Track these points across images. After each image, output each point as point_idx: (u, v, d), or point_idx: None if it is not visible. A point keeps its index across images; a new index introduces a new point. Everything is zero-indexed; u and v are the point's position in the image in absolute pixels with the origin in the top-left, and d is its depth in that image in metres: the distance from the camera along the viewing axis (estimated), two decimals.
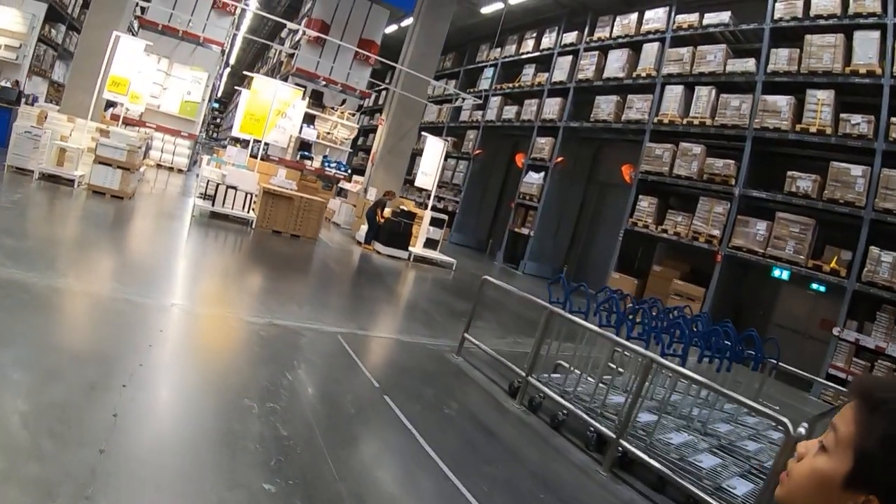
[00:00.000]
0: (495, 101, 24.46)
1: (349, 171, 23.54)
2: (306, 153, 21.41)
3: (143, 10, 21.75)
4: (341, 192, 22.27)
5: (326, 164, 22.13)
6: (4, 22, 19.79)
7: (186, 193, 17.71)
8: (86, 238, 9.10)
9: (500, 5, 22.85)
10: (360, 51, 21.63)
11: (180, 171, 23.08)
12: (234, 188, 13.54)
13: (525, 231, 20.54)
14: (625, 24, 18.77)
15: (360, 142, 33.39)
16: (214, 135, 57.81)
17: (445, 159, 25.73)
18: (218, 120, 60.86)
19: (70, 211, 10.67)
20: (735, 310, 13.94)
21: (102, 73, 13.67)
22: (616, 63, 18.47)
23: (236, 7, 23.69)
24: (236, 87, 33.48)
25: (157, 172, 20.89)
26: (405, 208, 16.00)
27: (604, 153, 20.80)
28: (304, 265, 12.16)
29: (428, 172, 17.37)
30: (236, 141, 23.19)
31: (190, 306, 7.06)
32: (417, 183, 17.61)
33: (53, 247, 7.95)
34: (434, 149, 17.55)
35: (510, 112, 23.30)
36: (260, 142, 17.01)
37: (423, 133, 19.74)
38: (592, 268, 19.78)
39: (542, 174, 20.42)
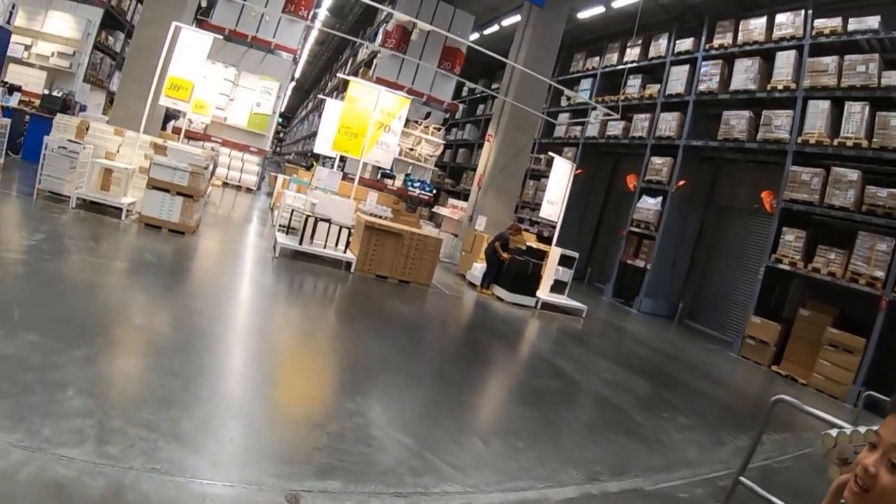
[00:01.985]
0: (596, 116, 21.85)
1: (433, 190, 21.32)
2: (387, 171, 19.18)
3: (207, 10, 20.19)
4: (433, 218, 19.91)
5: (409, 183, 20.09)
6: (57, 28, 19.01)
7: (261, 220, 15.63)
8: (129, 308, 6.65)
9: (598, 9, 21.06)
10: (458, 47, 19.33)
11: (249, 189, 21.88)
12: (328, 221, 11.19)
13: (640, 263, 18.72)
14: (751, 29, 16.81)
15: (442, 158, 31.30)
16: (278, 150, 57.23)
17: (538, 179, 23.47)
18: (281, 135, 60.32)
19: (110, 256, 8.42)
20: None
21: (158, 76, 11.54)
22: (744, 74, 16.57)
23: (309, 12, 21.93)
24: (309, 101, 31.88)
25: (223, 192, 19.37)
26: (531, 244, 13.49)
27: (724, 174, 18.91)
28: (435, 333, 9.62)
29: (554, 200, 14.95)
30: (314, 157, 21.26)
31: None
32: (543, 214, 15.13)
33: (80, 332, 5.54)
34: (561, 172, 15.12)
35: (615, 128, 21.29)
36: (343, 161, 14.74)
37: (549, 153, 17.18)
38: (711, 305, 18.17)
39: (660, 199, 18.54)
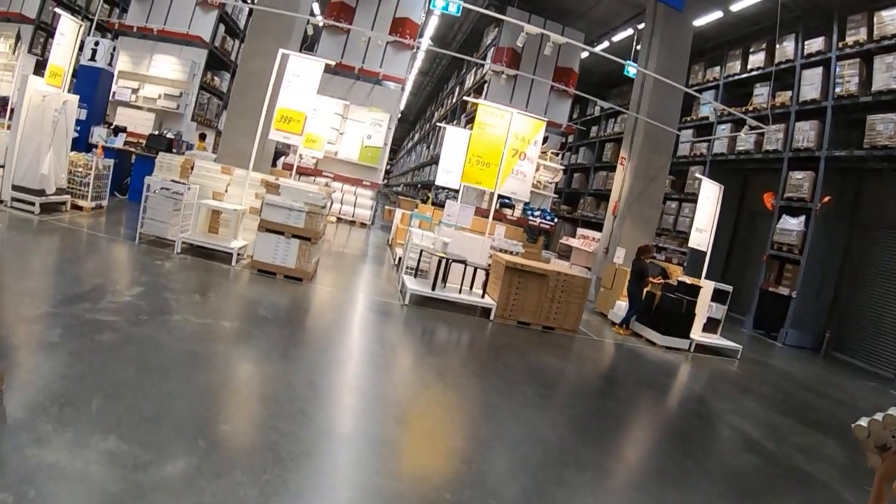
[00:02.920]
0: (723, 130, 19.82)
1: (554, 219, 19.84)
2: (506, 200, 17.86)
3: (311, 45, 19.68)
4: (548, 246, 18.57)
5: (529, 212, 18.67)
6: (163, 70, 19.54)
7: (379, 258, 14.46)
8: (240, 391, 5.43)
9: (716, 15, 19.14)
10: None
11: (363, 224, 21.16)
12: (463, 262, 9.84)
13: (783, 291, 16.69)
14: (886, 21, 14.82)
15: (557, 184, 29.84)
16: (385, 182, 57.34)
17: (664, 202, 21.72)
18: (388, 167, 60.60)
19: (218, 314, 7.21)
20: None
21: (266, 109, 10.57)
22: (886, 72, 14.67)
23: (414, 41, 21.20)
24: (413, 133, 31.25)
25: (336, 228, 18.57)
26: (683, 279, 11.79)
27: (870, 187, 16.68)
28: (594, 394, 7.87)
29: (702, 228, 13.05)
30: (427, 189, 20.19)
31: None
32: (692, 243, 13.29)
33: (176, 433, 4.32)
34: (710, 195, 13.25)
35: (745, 142, 19.13)
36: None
37: (698, 176, 15.39)
38: (861, 335, 15.84)
39: (802, 218, 16.63)
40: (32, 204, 10.16)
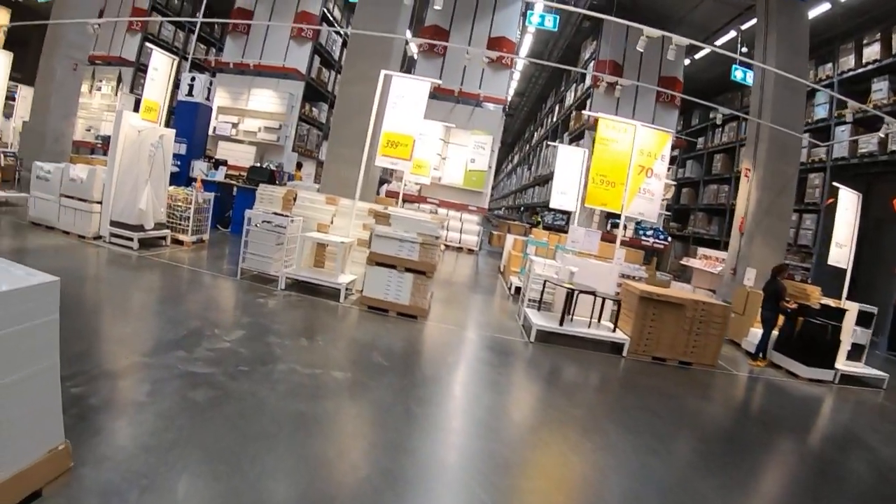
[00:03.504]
0: (843, 133, 17.97)
1: (668, 238, 18.48)
2: (617, 220, 16.64)
3: (407, 70, 19.32)
4: (676, 271, 17.18)
5: (641, 232, 17.37)
6: (262, 104, 20.04)
7: (491, 287, 13.58)
8: (359, 466, 4.52)
9: (824, 7, 17.36)
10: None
11: (470, 251, 20.51)
12: (592, 293, 8.79)
13: None
14: None
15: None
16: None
17: None
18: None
19: (327, 361, 6.36)
20: None
21: (371, 135, 9.85)
22: None
23: (512, 60, 20.64)
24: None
25: (443, 255, 17.57)
26: (826, 302, 10.41)
27: None
28: (750, 448, 6.59)
29: (842, 243, 11.50)
30: (535, 212, 19.29)
31: None
32: (832, 260, 11.71)
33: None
34: (849, 207, 11.69)
35: (868, 144, 16.91)
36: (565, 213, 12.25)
37: (834, 184, 13.83)
38: None
39: None
40: (131, 239, 10.01)
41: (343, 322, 7.88)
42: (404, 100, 10.08)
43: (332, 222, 9.75)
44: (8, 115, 21.62)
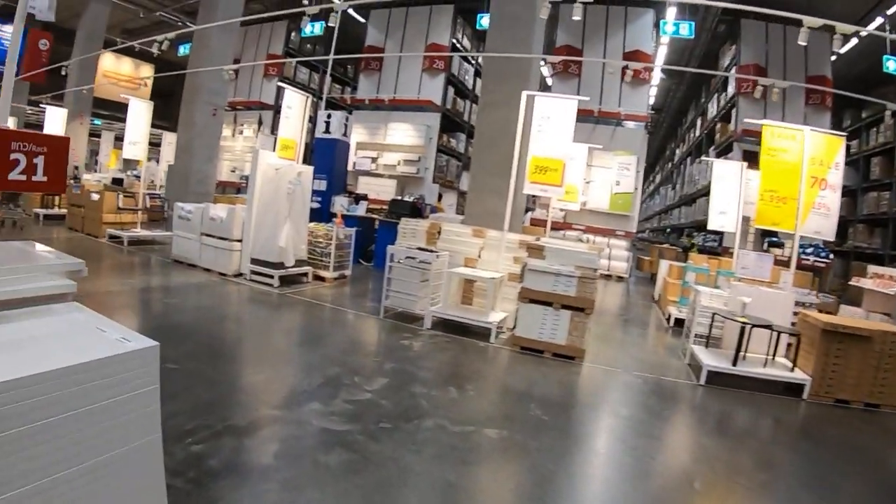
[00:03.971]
0: None
1: (830, 256, 16.54)
2: (773, 239, 15.14)
3: (544, 91, 18.77)
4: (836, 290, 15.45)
5: (800, 250, 15.52)
6: (399, 138, 20.24)
7: (646, 321, 12.40)
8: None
9: None
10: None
11: (619, 278, 19.32)
12: (768, 327, 7.63)
13: None
14: None
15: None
16: None
17: None
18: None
19: (478, 416, 5.58)
20: None
21: (517, 161, 9.17)
22: None
23: (650, 74, 19.84)
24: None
25: None
26: None
27: None
28: None
29: None
30: (688, 236, 18.05)
31: None
32: None
33: None
34: None
35: None
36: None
37: None
38: None
39: None
40: (271, 277, 9.90)
41: (494, 366, 7.13)
42: (550, 122, 9.31)
43: (479, 256, 9.06)
44: (155, 159, 22.95)
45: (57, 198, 17.46)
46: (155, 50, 14.61)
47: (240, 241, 10.50)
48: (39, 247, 3.37)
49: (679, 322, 10.79)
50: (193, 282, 9.81)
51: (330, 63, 15.13)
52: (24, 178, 2.58)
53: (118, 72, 27.47)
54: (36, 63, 21.72)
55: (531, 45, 11.65)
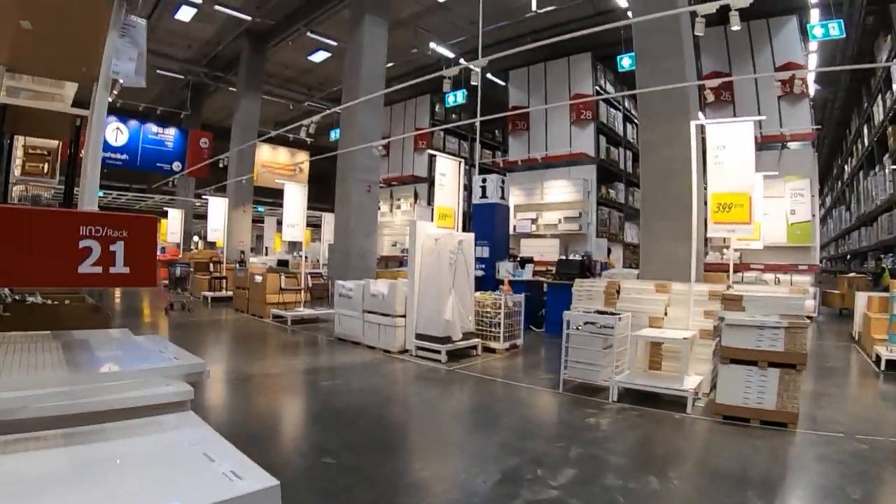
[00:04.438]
0: None
1: None
2: None
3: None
4: None
5: None
6: (557, 195, 19.87)
7: (847, 365, 10.84)
8: None
9: None
10: None
11: (808, 317, 16.78)
12: None
13: None
14: None
15: None
16: None
17: None
18: None
19: (691, 500, 4.68)
20: None
21: (696, 200, 8.32)
22: None
23: (805, 85, 18.33)
24: None
25: None
26: None
27: None
28: None
29: None
30: (865, 258, 16.15)
31: None
32: None
33: None
34: None
35: None
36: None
37: None
38: None
39: None
40: (438, 352, 9.50)
41: (696, 443, 6.17)
42: (726, 151, 8.38)
43: (665, 314, 8.15)
44: (317, 239, 23.70)
45: (224, 280, 18.42)
46: (303, 134, 15.21)
47: (403, 316, 10.24)
48: (157, 340, 3.09)
49: (891, 364, 9.44)
50: (357, 361, 9.63)
51: (477, 125, 14.91)
52: (98, 270, 2.14)
53: (275, 161, 29.14)
54: (198, 159, 23.34)
55: (684, 73, 10.78)
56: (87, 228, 2.11)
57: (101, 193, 35.34)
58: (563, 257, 15.78)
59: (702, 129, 8.89)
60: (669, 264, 9.49)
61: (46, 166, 12.18)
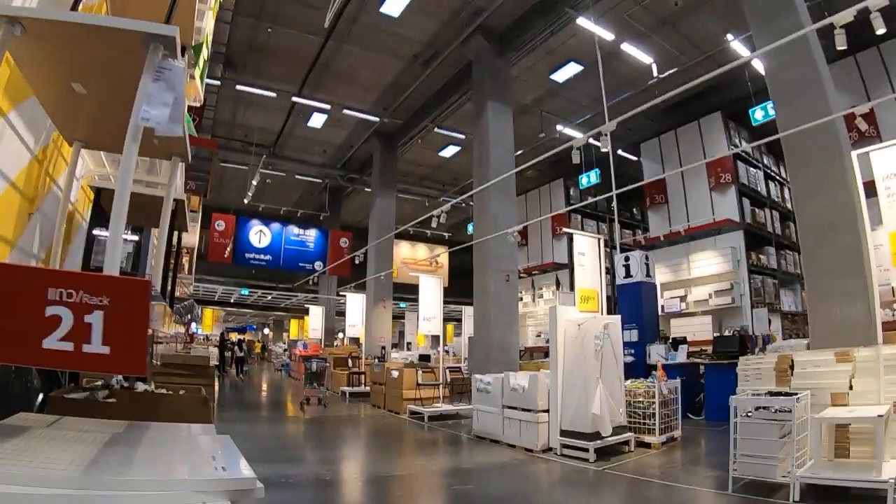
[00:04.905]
0: None
1: None
2: None
3: None
4: None
5: None
6: (705, 267, 18.45)
7: None
8: None
9: None
10: None
11: None
12: None
13: None
14: None
15: None
16: None
17: None
18: None
19: None
20: None
21: (871, 254, 7.18)
22: None
23: None
24: None
25: None
26: None
27: None
28: None
29: None
30: None
31: None
32: None
33: None
34: None
35: None
36: None
37: None
38: None
39: None
40: (585, 450, 8.35)
41: None
42: None
43: (850, 388, 6.82)
44: (459, 333, 23.28)
45: (362, 376, 18.35)
46: (434, 224, 14.94)
47: (546, 411, 9.25)
48: (209, 441, 2.64)
49: None
50: (496, 462, 8.72)
51: (614, 196, 13.94)
52: (69, 347, 1.62)
53: (415, 257, 29.29)
54: (338, 258, 23.89)
55: (828, 105, 9.57)
56: (56, 292, 1.58)
57: (246, 292, 37.30)
58: (718, 334, 14.43)
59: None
60: (843, 328, 8.22)
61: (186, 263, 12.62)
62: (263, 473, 7.31)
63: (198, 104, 7.91)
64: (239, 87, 19.13)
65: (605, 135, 9.52)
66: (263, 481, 1.92)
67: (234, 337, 37.51)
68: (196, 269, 20.99)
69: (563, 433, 8.79)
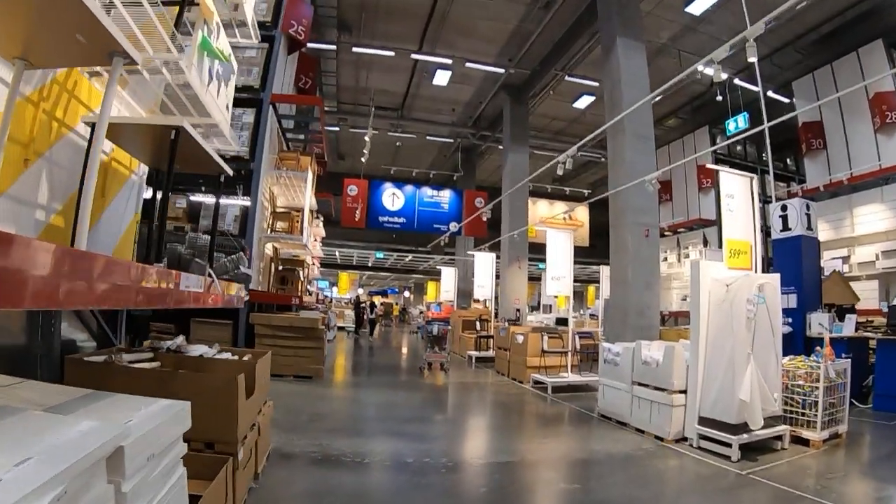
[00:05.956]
0: None
1: None
2: None
3: None
4: None
5: None
6: (870, 224, 16.28)
7: None
8: None
9: None
10: None
11: None
12: None
13: None
14: None
15: None
16: None
17: None
18: None
19: None
20: None
21: None
22: None
23: None
24: None
25: None
26: None
27: None
28: None
29: None
30: None
31: None
32: None
33: None
34: None
35: None
36: None
37: None
38: None
39: None
40: (728, 445, 6.56)
41: None
42: None
43: None
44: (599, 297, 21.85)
45: (490, 340, 17.21)
46: (560, 171, 13.89)
47: (683, 392, 7.44)
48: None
49: None
50: (617, 451, 7.01)
51: (766, 133, 11.69)
52: None
53: (553, 216, 27.46)
54: (474, 219, 22.86)
55: None
56: None
57: (381, 255, 37.21)
58: (890, 304, 12.07)
59: None
60: None
61: (289, 224, 11.91)
62: (341, 448, 6.03)
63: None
64: (356, 49, 18.51)
65: (751, 41, 7.61)
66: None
67: (375, 300, 37.56)
68: (330, 235, 20.80)
69: (702, 421, 7.03)
